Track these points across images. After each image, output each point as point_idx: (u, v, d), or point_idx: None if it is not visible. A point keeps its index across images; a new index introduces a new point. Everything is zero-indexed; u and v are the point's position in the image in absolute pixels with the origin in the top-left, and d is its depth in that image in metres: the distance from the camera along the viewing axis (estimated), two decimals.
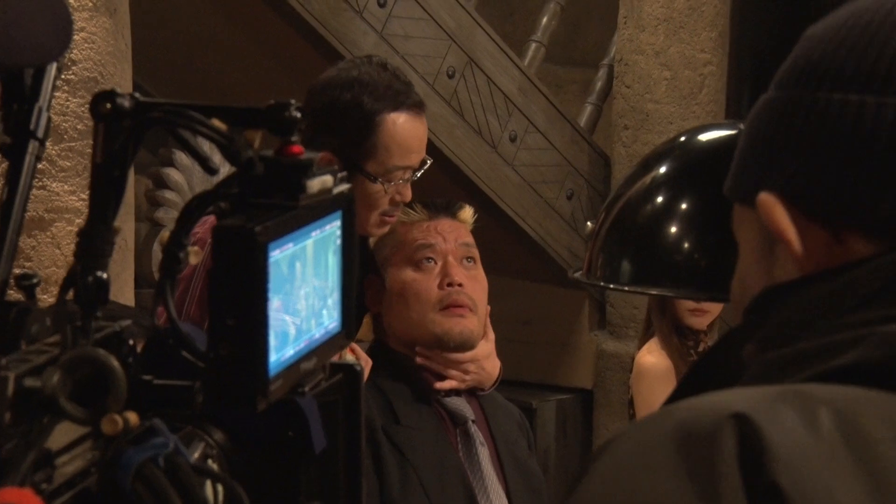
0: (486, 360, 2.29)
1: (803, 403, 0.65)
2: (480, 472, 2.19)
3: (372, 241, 2.30)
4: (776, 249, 0.77)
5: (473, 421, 2.24)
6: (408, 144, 2.12)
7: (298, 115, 0.74)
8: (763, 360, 0.73)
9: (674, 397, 0.81)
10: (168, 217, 3.34)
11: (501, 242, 4.18)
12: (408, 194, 2.15)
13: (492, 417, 2.28)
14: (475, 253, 2.29)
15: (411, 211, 2.28)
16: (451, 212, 2.33)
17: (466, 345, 2.24)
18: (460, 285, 2.22)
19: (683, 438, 0.63)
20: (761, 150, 0.79)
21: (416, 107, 2.15)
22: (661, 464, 0.63)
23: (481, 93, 3.91)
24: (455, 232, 2.29)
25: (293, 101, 0.74)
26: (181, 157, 3.40)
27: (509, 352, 4.00)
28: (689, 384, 0.80)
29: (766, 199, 0.77)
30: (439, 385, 2.23)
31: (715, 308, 3.01)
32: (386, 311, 2.27)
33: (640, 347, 3.02)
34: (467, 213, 2.34)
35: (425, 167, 2.17)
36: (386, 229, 2.19)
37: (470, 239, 2.31)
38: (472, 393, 2.28)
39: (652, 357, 2.93)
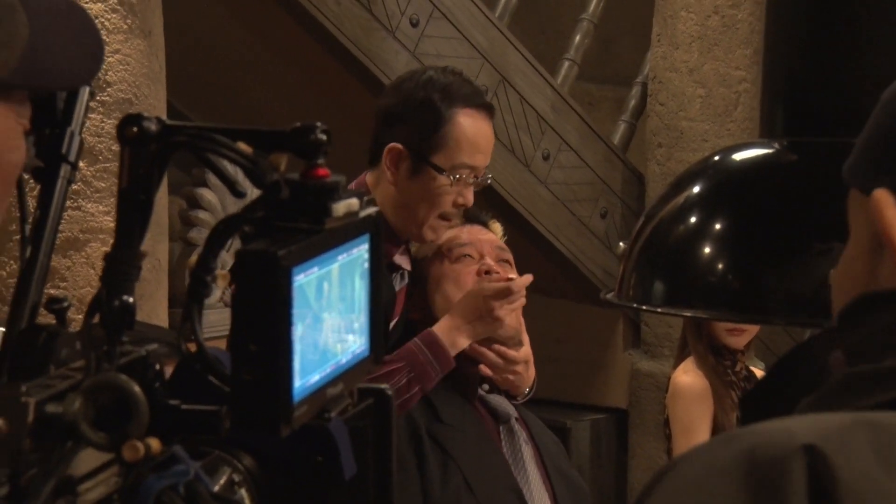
0: (530, 364, 2.30)
1: (878, 436, 0.62)
2: (524, 468, 2.20)
3: (414, 250, 2.33)
4: (886, 250, 0.74)
5: (517, 419, 2.25)
6: (476, 142, 2.18)
7: (324, 137, 0.73)
8: (847, 374, 0.70)
9: (752, 395, 0.77)
10: (201, 237, 3.35)
11: (534, 261, 4.16)
12: (470, 198, 2.19)
13: (531, 424, 2.30)
14: (510, 258, 2.33)
15: None
16: (483, 221, 2.38)
17: (515, 339, 2.26)
18: (498, 273, 2.24)
19: (751, 466, 0.61)
20: (884, 142, 0.75)
21: (487, 109, 2.22)
22: (726, 491, 0.61)
23: (514, 111, 3.90)
24: (489, 235, 2.35)
25: (319, 124, 0.74)
26: (214, 177, 3.41)
27: (542, 371, 3.95)
28: (771, 382, 0.77)
29: (882, 196, 0.73)
30: (482, 369, 2.24)
31: (753, 327, 2.97)
32: (433, 310, 2.28)
33: (675, 367, 2.99)
34: (497, 227, 2.39)
35: (487, 180, 2.22)
36: (437, 237, 2.21)
37: (504, 245, 2.36)
38: (507, 399, 2.30)
39: (688, 377, 2.90)
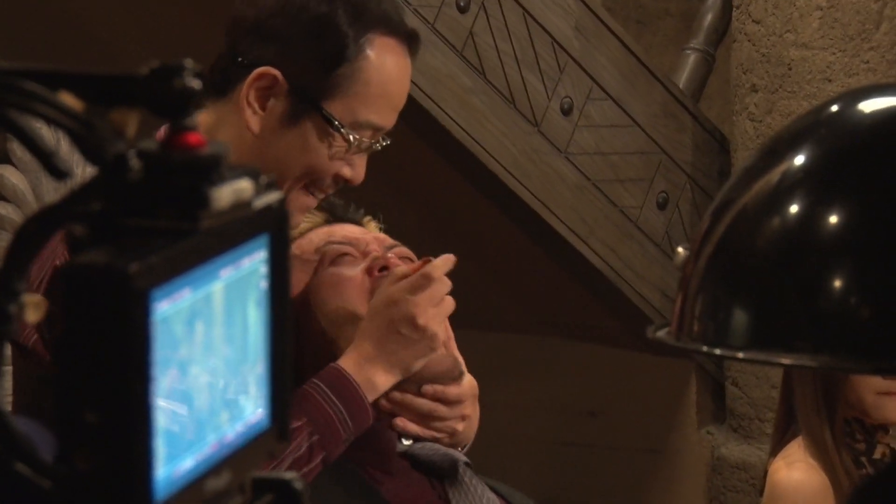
0: (476, 399, 2.38)
1: None
2: None
3: None
4: None
5: (468, 464, 2.30)
6: (390, 91, 2.28)
7: (196, 84, 0.77)
8: None
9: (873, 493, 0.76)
10: (1, 245, 3.37)
11: (551, 281, 4.18)
12: (361, 172, 2.29)
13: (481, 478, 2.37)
14: (412, 256, 2.40)
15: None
16: (354, 220, 2.48)
17: (453, 371, 2.35)
18: (398, 265, 2.32)
19: None
20: None
21: (412, 42, 2.31)
22: None
23: (514, 35, 3.93)
24: (370, 234, 2.44)
25: (188, 63, 0.77)
26: (21, 147, 3.43)
27: (566, 460, 4.00)
28: None
29: None
30: (401, 424, 2.30)
31: None
32: (305, 344, 2.32)
33: (773, 455, 3.02)
34: (373, 227, 2.49)
35: (381, 145, 2.31)
36: (300, 219, 2.32)
37: (394, 241, 2.44)
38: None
39: (796, 471, 2.92)
